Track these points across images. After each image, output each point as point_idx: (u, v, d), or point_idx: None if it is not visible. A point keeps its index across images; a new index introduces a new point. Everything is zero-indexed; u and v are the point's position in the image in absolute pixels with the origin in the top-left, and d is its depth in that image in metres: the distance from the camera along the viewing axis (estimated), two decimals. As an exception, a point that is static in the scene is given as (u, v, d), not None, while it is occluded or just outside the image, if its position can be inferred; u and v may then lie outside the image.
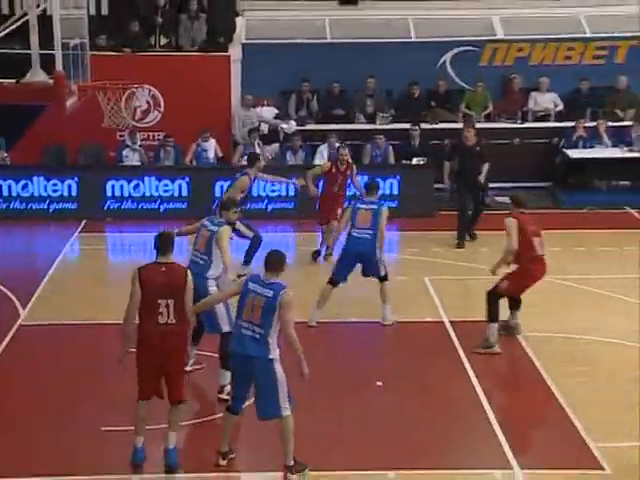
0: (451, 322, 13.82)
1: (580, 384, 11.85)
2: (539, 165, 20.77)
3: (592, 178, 20.33)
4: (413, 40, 21.66)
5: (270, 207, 19.44)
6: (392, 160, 20.12)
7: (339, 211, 16.49)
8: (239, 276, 13.88)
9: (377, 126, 20.82)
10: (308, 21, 21.96)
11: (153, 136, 20.63)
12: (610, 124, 20.71)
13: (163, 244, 9.68)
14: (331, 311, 13.86)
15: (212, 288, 11.50)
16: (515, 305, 13.08)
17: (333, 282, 13.72)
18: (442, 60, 21.62)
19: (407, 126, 20.34)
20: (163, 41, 21.18)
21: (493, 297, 12.68)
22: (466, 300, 14.95)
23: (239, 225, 14.22)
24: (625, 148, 20.27)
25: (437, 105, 21.24)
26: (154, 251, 9.69)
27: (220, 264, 11.57)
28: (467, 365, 12.47)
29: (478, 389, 11.74)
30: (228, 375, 10.99)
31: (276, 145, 20.58)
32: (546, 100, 21.43)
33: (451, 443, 10.56)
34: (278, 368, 9.38)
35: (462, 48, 21.61)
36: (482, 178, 17.91)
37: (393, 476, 9.74)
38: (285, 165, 19.90)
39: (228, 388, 10.82)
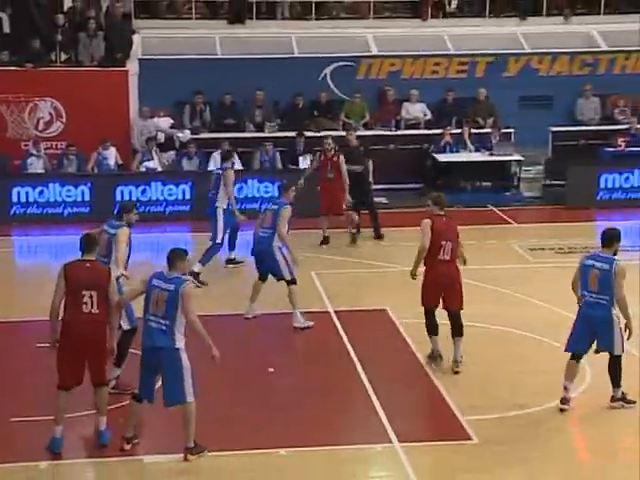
0: (335, 312, 13.91)
1: (451, 364, 12.00)
2: (412, 168, 20.97)
3: (458, 180, 20.63)
4: (296, 56, 21.76)
5: (168, 209, 19.34)
6: (279, 165, 20.21)
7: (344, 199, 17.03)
8: (193, 274, 14.18)
9: (265, 134, 20.85)
10: (200, 38, 21.91)
11: (56, 145, 20.21)
12: (473, 131, 21.11)
13: (88, 244, 9.85)
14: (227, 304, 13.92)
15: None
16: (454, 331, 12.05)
17: (261, 277, 13.62)
18: (323, 74, 21.72)
19: (292, 134, 20.42)
20: (63, 57, 20.87)
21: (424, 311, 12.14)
22: (350, 291, 15.06)
23: None
24: (486, 152, 20.64)
25: (319, 114, 21.36)
26: (65, 252, 9.70)
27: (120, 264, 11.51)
28: (351, 350, 12.55)
29: (361, 372, 11.84)
30: (117, 371, 11.12)
31: (172, 152, 20.49)
32: (416, 110, 21.70)
33: (337, 421, 10.68)
34: (184, 357, 9.43)
35: (341, 63, 21.75)
36: (370, 175, 18.30)
37: (284, 453, 9.81)
38: (181, 170, 19.85)
39: (113, 382, 10.95)
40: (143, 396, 9.69)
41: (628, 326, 10.69)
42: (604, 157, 20.91)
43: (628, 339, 10.79)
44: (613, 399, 11.07)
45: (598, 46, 22.44)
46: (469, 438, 10.18)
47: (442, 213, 12.04)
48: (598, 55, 22.29)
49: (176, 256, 9.68)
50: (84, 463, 9.91)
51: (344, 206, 17.18)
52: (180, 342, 9.41)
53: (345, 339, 12.89)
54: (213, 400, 10.60)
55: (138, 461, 9.89)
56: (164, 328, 9.43)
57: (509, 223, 18.84)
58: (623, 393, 11.07)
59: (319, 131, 20.77)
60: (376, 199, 19.51)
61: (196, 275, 14.71)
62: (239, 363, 11.97)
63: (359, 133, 20.59)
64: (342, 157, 17.18)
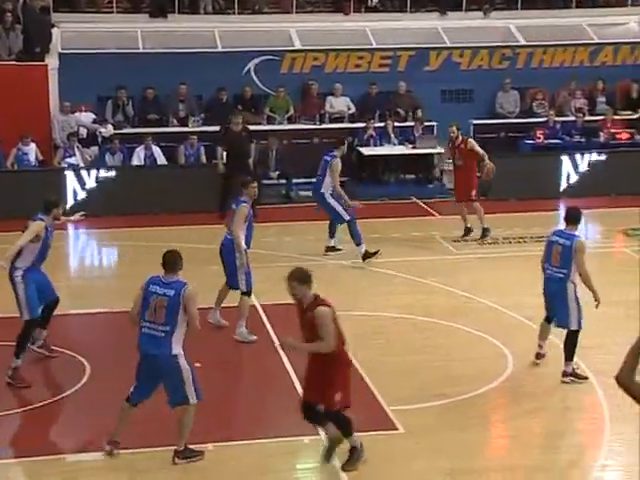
0: (261, 305, 13.91)
1: (376, 355, 12.15)
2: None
3: (382, 173, 20.78)
4: (220, 50, 21.66)
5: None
6: (204, 159, 20.15)
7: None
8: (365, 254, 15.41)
9: (189, 129, 20.75)
10: (121, 32, 21.70)
11: (-27, 141, 19.94)
12: (396, 124, 21.25)
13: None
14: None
15: (17, 277, 11.35)
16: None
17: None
18: (247, 68, 21.69)
19: (217, 128, 20.35)
20: (-21, 52, 20.57)
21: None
22: (274, 285, 15.07)
23: None
24: (409, 145, 20.81)
25: (244, 109, 21.32)
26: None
27: (28, 256, 11.39)
28: (274, 338, 12.54)
29: (287, 365, 11.84)
30: (17, 362, 11.07)
31: (95, 148, 20.34)
32: (340, 103, 21.80)
33: (264, 414, 10.70)
34: (182, 361, 9.20)
35: (264, 57, 21.74)
36: (252, 159, 18.84)
37: (212, 448, 9.80)
38: (105, 165, 19.64)
39: (10, 372, 11.03)
40: (136, 401, 9.46)
41: (595, 297, 11.35)
42: (523, 149, 21.22)
43: (597, 307, 11.37)
44: (564, 374, 11.48)
45: (517, 40, 22.74)
46: (395, 428, 10.29)
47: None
48: (517, 49, 22.60)
49: (173, 257, 9.35)
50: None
51: (474, 193, 17.21)
52: (177, 348, 9.14)
53: (271, 331, 12.90)
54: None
55: (62, 459, 9.82)
56: (162, 335, 9.10)
57: (432, 215, 19.03)
58: (574, 369, 11.49)
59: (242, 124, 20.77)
60: (301, 193, 19.65)
61: (370, 254, 15.59)
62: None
63: (283, 127, 20.76)
64: (471, 141, 17.33)
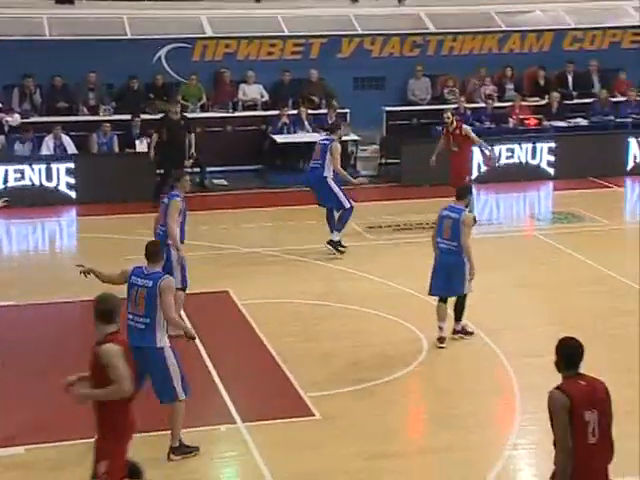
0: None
1: (292, 342, 12.25)
2: (250, 150, 20.99)
3: (296, 160, 20.80)
4: (129, 37, 21.43)
5: None
6: (116, 148, 19.98)
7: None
8: (333, 243, 15.09)
9: (100, 117, 20.50)
10: (26, 19, 21.26)
11: None
12: (309, 112, 21.30)
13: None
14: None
15: None
16: None
17: None
18: (157, 56, 21.48)
19: (128, 117, 20.20)
20: None
21: None
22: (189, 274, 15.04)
23: None
24: (323, 133, 20.81)
25: (155, 97, 21.17)
26: None
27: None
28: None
29: (203, 353, 11.85)
30: None
31: (2, 137, 19.96)
32: (253, 91, 21.75)
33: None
34: (168, 354, 9.10)
35: (175, 45, 21.56)
36: (193, 149, 18.74)
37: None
38: (13, 155, 19.38)
39: None
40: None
41: (472, 271, 11.92)
42: (435, 135, 21.39)
43: (471, 280, 11.95)
44: (454, 331, 12.22)
45: (427, 28, 22.90)
46: (312, 414, 10.38)
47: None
48: (427, 37, 22.74)
49: (155, 249, 9.38)
50: None
51: (467, 178, 17.20)
52: (162, 340, 9.06)
53: (186, 321, 12.77)
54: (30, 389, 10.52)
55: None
56: (143, 327, 9.07)
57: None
58: (463, 327, 12.24)
59: (156, 113, 20.62)
60: (215, 181, 19.64)
61: (337, 243, 15.22)
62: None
63: (196, 115, 20.67)
64: (465, 127, 17.27)
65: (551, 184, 20.52)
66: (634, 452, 9.48)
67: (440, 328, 12.11)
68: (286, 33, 22.22)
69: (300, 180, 18.89)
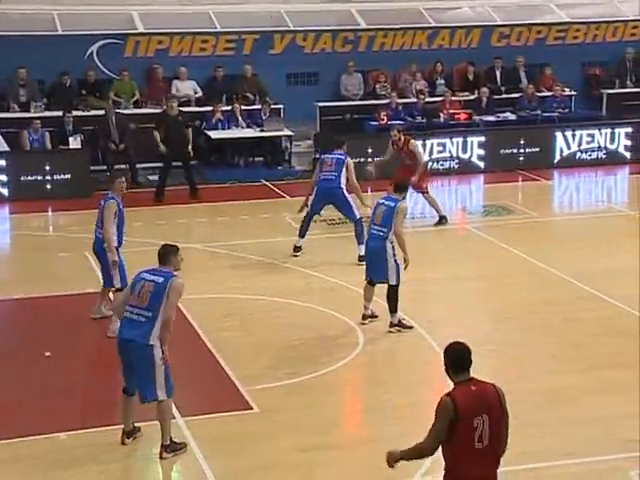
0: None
1: (230, 336, 12.25)
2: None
3: (231, 156, 20.77)
4: (60, 33, 21.19)
5: None
6: (49, 145, 19.77)
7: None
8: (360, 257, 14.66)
9: (31, 114, 20.26)
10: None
11: None
12: (243, 108, 21.26)
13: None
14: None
15: None
16: None
17: None
18: (89, 52, 21.31)
19: (60, 113, 19.96)
20: None
21: None
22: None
23: None
24: (257, 128, 20.85)
25: (88, 93, 20.99)
26: None
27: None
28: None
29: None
30: None
31: None
32: (186, 87, 21.67)
33: (112, 399, 10.40)
34: (156, 353, 9.02)
35: (107, 41, 21.40)
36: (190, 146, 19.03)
37: (65, 437, 9.69)
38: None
39: None
40: (130, 390, 9.32)
41: (406, 258, 12.11)
42: (368, 130, 21.55)
43: (405, 269, 12.11)
44: (391, 325, 12.24)
45: (358, 24, 22.98)
46: (250, 407, 10.36)
47: None
48: (359, 33, 22.85)
49: (168, 252, 9.34)
50: None
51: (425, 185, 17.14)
52: (155, 339, 8.94)
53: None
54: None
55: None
56: (142, 320, 9.01)
57: (282, 197, 19.13)
58: (400, 320, 12.26)
59: (88, 110, 20.43)
60: (150, 177, 19.58)
61: (361, 257, 14.63)
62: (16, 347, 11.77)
63: (129, 112, 20.54)
64: (413, 142, 16.98)
65: (482, 177, 20.74)
66: (563, 436, 9.65)
67: (365, 307, 12.42)
68: (219, 29, 22.19)
69: (235, 176, 18.99)
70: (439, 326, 12.54)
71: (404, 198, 12.54)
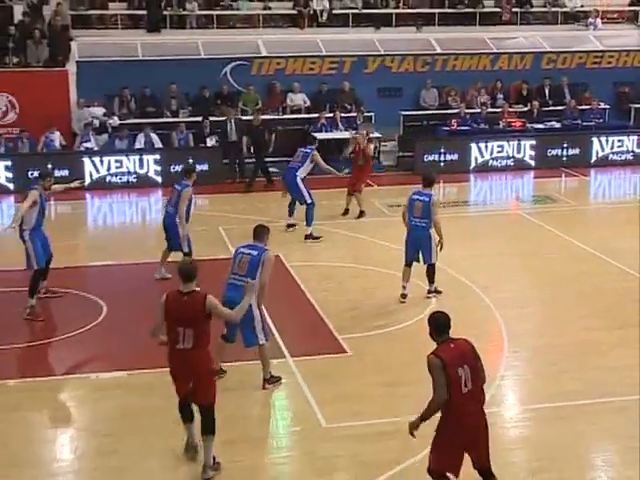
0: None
1: (330, 296, 12.30)
2: (296, 144, 20.56)
3: (333, 152, 20.76)
4: (202, 57, 21.49)
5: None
6: (191, 143, 20.04)
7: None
8: (308, 236, 14.61)
9: (179, 119, 20.63)
10: (125, 44, 21.42)
11: (12, 131, 19.66)
12: (342, 115, 21.31)
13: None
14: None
15: (26, 236, 11.48)
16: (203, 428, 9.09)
17: (168, 247, 12.95)
18: (224, 71, 21.50)
19: (200, 119, 20.23)
20: (15, 60, 20.23)
21: None
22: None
23: None
24: (353, 131, 20.72)
25: (222, 103, 21.24)
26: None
27: (31, 219, 11.45)
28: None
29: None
30: (31, 301, 11.22)
31: (105, 135, 20.16)
32: (298, 99, 21.75)
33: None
34: (254, 309, 9.13)
35: (238, 62, 21.59)
36: (271, 147, 19.12)
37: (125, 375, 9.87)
38: (115, 149, 19.50)
39: (28, 310, 11.22)
40: (230, 338, 9.49)
41: (441, 242, 11.74)
42: (441, 134, 21.41)
43: (440, 251, 11.80)
44: (429, 292, 12.07)
45: (435, 49, 22.79)
46: (344, 351, 10.48)
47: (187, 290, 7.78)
48: (435, 56, 22.64)
49: (262, 231, 9.54)
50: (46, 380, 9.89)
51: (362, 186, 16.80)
52: (252, 298, 8.89)
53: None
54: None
55: (88, 377, 9.95)
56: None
57: (371, 186, 19.09)
58: (435, 288, 12.10)
59: (222, 116, 20.72)
60: (271, 169, 19.75)
61: (310, 235, 14.80)
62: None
63: (251, 117, 20.73)
64: (371, 147, 16.93)
65: (532, 173, 20.44)
66: (590, 380, 9.57)
67: (403, 287, 12.00)
68: (324, 53, 22.19)
69: (335, 169, 19.00)
70: (492, 290, 12.47)
71: (433, 190, 12.02)
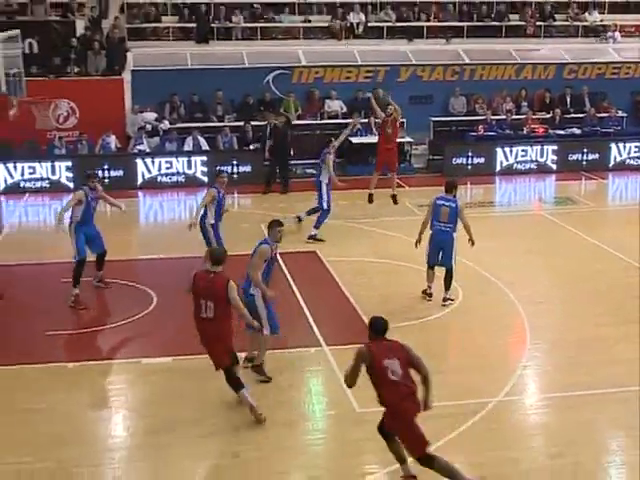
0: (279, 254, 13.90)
1: (363, 289, 12.26)
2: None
3: (366, 156, 20.64)
4: (247, 66, 21.50)
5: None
6: (235, 146, 20.13)
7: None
8: (311, 237, 14.35)
9: (225, 123, 20.66)
10: (176, 54, 21.49)
11: (72, 134, 19.88)
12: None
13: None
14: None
15: (71, 229, 11.62)
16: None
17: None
18: (266, 79, 21.51)
19: (243, 123, 20.30)
20: (76, 69, 20.45)
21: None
22: (288, 238, 15.09)
23: None
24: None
25: (264, 109, 21.27)
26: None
27: (76, 214, 11.61)
28: (289, 277, 12.63)
29: (297, 294, 11.96)
30: (76, 290, 11.29)
31: (157, 138, 20.28)
32: (335, 105, 21.68)
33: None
34: (258, 301, 9.16)
35: (279, 71, 21.58)
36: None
37: (244, 356, 9.68)
38: (165, 151, 19.64)
39: (72, 298, 11.32)
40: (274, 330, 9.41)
41: (472, 239, 11.45)
42: (469, 139, 21.24)
43: (472, 246, 11.48)
44: (444, 299, 11.68)
45: (463, 60, 22.59)
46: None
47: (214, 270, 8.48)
48: (463, 66, 22.45)
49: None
50: (102, 364, 10.00)
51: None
52: (254, 289, 9.16)
53: (287, 273, 12.94)
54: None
55: (138, 362, 10.02)
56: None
57: (403, 187, 18.98)
58: (450, 295, 11.72)
59: (263, 120, 20.73)
60: (307, 170, 19.72)
61: (314, 236, 14.60)
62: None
63: (294, 122, 20.75)
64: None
65: (554, 176, 20.20)
66: (600, 373, 9.43)
67: (429, 287, 11.79)
68: (360, 63, 22.08)
69: (369, 171, 18.95)
70: (515, 287, 12.36)
71: (455, 195, 11.64)
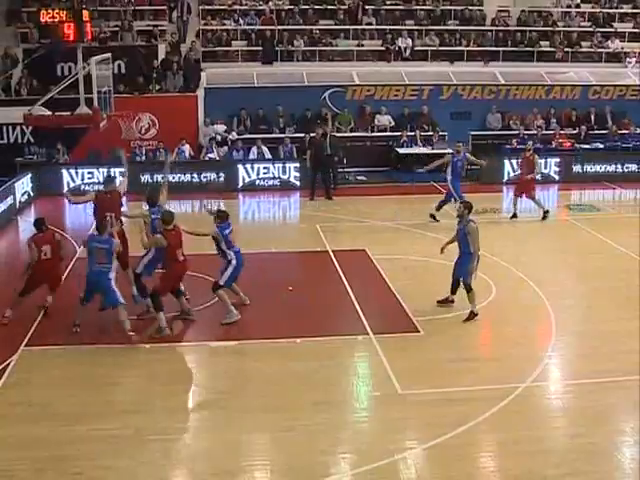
0: (332, 251, 13.90)
1: (407, 284, 12.16)
2: (382, 157, 20.83)
3: (412, 165, 20.52)
4: (306, 84, 21.54)
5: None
6: (295, 155, 20.12)
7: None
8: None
9: (286, 135, 20.72)
10: (244, 74, 21.64)
11: (153, 144, 20.21)
12: (421, 133, 21.05)
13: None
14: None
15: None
16: (177, 294, 10.60)
17: None
18: (323, 96, 21.48)
19: (302, 135, 20.27)
20: (157, 87, 20.75)
21: (154, 296, 10.26)
22: (340, 237, 15.12)
23: None
24: (430, 147, 20.59)
25: (322, 123, 21.26)
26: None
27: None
28: (340, 272, 12.60)
29: (348, 287, 11.91)
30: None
31: (225, 147, 20.42)
32: (384, 119, 21.57)
33: (331, 320, 10.75)
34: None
35: (335, 89, 21.56)
36: (336, 158, 18.66)
37: (300, 341, 9.94)
38: (232, 160, 19.71)
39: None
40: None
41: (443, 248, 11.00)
42: (504, 152, 20.91)
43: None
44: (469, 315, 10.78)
45: (499, 81, 22.28)
46: (418, 331, 10.36)
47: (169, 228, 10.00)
48: (499, 87, 22.13)
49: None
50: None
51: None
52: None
53: (339, 268, 12.95)
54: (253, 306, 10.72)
55: (205, 345, 10.03)
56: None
57: (443, 193, 18.81)
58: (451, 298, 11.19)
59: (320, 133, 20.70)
60: (359, 177, 19.63)
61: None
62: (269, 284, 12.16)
63: (347, 135, 20.71)
64: (536, 156, 16.34)
65: (578, 185, 19.75)
66: (619, 361, 9.17)
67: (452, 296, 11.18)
68: (406, 82, 21.93)
69: (414, 179, 18.75)
70: (543, 283, 12.13)
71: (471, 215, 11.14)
